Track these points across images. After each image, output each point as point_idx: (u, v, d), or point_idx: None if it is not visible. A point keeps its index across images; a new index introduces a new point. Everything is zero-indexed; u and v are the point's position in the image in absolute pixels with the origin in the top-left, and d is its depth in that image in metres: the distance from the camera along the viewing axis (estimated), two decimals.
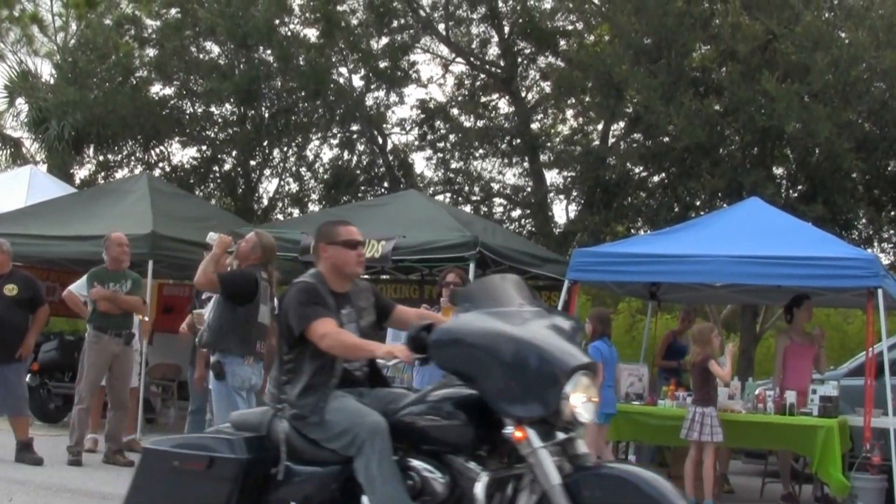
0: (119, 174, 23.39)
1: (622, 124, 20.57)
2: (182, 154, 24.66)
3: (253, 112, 22.27)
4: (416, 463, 5.26)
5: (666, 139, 17.26)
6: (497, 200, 23.41)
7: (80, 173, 24.62)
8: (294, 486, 5.51)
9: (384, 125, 23.56)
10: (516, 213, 23.07)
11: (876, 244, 17.57)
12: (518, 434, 4.99)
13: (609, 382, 11.03)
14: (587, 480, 4.96)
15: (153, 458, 5.80)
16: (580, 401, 5.03)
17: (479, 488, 5.01)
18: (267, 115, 22.37)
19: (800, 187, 17.13)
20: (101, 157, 23.88)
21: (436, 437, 5.26)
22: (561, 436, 5.06)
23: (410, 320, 5.88)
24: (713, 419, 10.45)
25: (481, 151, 22.97)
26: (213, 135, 23.43)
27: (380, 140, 23.40)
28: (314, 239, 5.95)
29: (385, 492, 5.19)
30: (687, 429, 10.53)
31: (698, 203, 17.32)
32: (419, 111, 23.14)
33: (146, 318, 12.64)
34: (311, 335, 5.48)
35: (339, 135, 23.52)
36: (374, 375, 5.87)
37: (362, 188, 22.93)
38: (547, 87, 22.32)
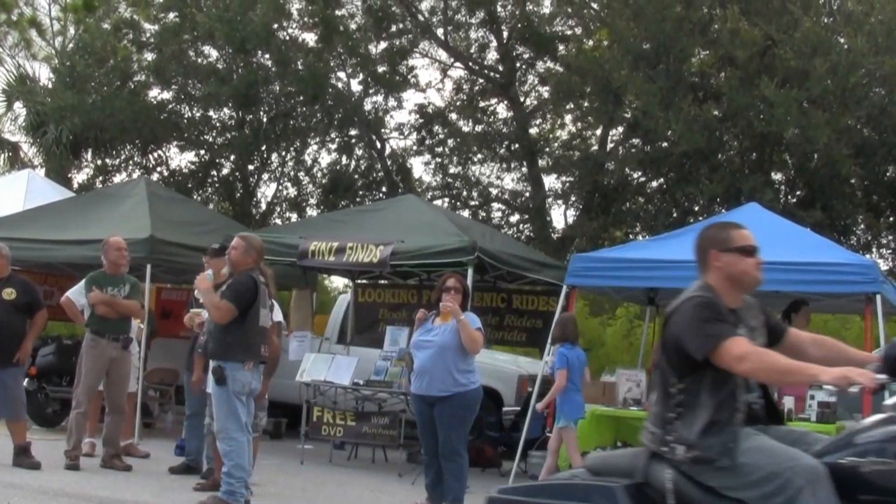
0: (117, 178, 23.39)
1: (621, 129, 20.58)
2: (180, 158, 24.66)
3: (251, 116, 22.27)
4: None
5: (664, 144, 17.28)
6: (495, 205, 23.41)
7: (78, 177, 24.63)
8: None
9: (382, 130, 23.56)
10: (514, 217, 23.07)
11: (874, 250, 17.60)
12: None
13: (577, 387, 11.08)
14: None
15: None
16: None
17: None
18: (265, 119, 22.37)
19: (798, 193, 17.15)
20: (98, 162, 23.87)
21: (887, 487, 4.34)
22: None
23: (805, 345, 4.98)
24: None
25: (480, 156, 22.98)
26: (211, 139, 23.42)
27: (378, 145, 23.41)
28: (699, 244, 5.07)
29: None
30: None
31: (697, 208, 17.33)
32: (417, 116, 23.16)
33: (142, 325, 12.64)
34: (721, 358, 4.52)
35: (337, 139, 23.51)
36: (771, 410, 4.92)
37: (360, 193, 22.94)
38: (545, 91, 22.34)
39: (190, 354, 11.04)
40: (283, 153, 23.89)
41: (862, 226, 17.20)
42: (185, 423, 11.57)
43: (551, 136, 23.40)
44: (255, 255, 9.25)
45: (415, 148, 23.54)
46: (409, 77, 22.86)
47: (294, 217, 23.56)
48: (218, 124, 23.11)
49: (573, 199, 21.32)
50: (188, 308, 10.92)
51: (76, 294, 11.79)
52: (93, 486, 9.95)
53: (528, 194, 22.34)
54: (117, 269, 11.28)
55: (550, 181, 22.06)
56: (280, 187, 24.50)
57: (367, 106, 22.87)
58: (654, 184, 19.28)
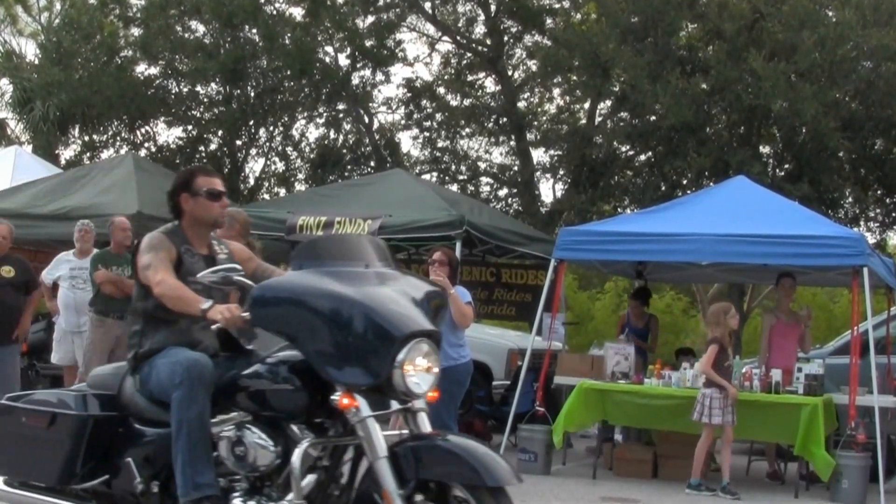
0: (104, 154, 23.30)
1: (609, 103, 20.57)
2: (168, 134, 24.67)
3: (239, 91, 22.20)
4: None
5: (652, 118, 17.28)
6: (484, 179, 23.42)
7: (66, 154, 24.56)
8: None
9: (370, 104, 23.52)
10: (503, 192, 23.09)
11: (862, 223, 17.64)
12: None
13: None
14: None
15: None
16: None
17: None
18: (253, 94, 22.31)
19: (786, 166, 17.17)
20: (86, 138, 23.79)
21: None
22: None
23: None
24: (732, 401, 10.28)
25: (468, 130, 22.97)
26: (198, 114, 23.36)
27: (366, 119, 23.37)
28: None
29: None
30: (702, 413, 10.28)
31: (685, 182, 17.35)
32: (405, 90, 23.11)
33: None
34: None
35: (325, 114, 23.48)
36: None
37: (348, 167, 22.90)
38: (533, 65, 22.31)
39: None
40: (271, 128, 23.84)
41: (849, 199, 17.24)
42: None
43: (539, 109, 23.39)
44: (239, 227, 9.21)
45: (403, 122, 23.54)
46: (397, 51, 22.81)
47: (282, 192, 23.57)
48: (205, 99, 23.05)
49: (561, 172, 21.34)
50: None
51: (50, 272, 11.93)
52: None
53: (516, 168, 22.34)
54: (122, 249, 11.35)
55: (538, 155, 22.11)
56: (268, 162, 24.51)
57: (355, 80, 22.83)
58: (643, 157, 19.29)
